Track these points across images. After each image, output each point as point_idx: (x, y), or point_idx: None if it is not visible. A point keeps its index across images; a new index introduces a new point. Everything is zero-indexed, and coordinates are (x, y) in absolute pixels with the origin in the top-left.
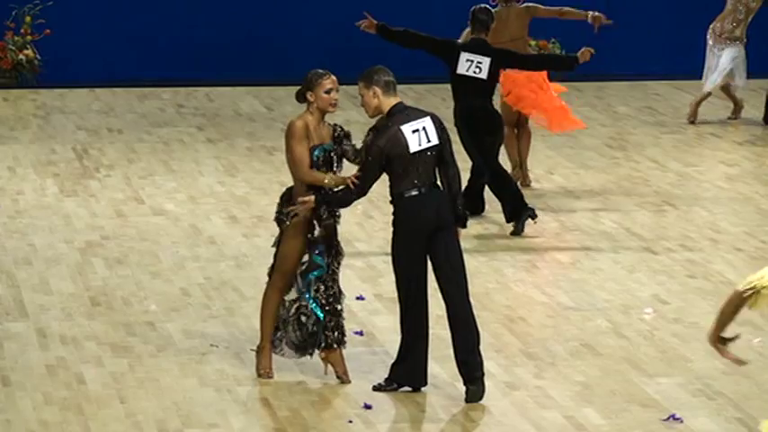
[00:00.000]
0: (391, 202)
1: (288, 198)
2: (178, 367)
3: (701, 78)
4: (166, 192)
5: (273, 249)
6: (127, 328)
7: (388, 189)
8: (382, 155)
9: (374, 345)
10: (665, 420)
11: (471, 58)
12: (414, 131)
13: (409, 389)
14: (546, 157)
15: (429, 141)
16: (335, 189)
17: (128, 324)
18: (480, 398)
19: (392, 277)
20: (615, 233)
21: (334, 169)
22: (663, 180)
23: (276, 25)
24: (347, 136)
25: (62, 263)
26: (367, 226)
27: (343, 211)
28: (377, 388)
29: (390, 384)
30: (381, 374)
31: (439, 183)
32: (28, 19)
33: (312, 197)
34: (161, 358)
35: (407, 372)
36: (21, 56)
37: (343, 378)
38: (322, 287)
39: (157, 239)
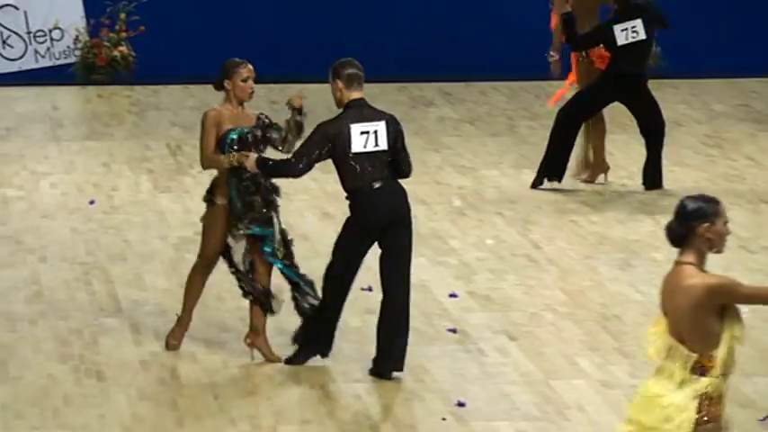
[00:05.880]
0: (346, 198)
1: (214, 183)
2: (273, 367)
3: None
4: None
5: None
6: (221, 324)
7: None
8: (327, 139)
9: (467, 342)
10: (761, 420)
11: (626, 26)
12: (362, 133)
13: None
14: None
15: (377, 146)
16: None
17: (221, 321)
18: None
19: (486, 275)
20: None
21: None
22: (760, 178)
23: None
24: (272, 125)
25: (156, 259)
26: (460, 223)
27: (438, 209)
28: (288, 360)
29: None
30: (474, 372)
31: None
32: (123, 16)
33: (253, 156)
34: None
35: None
36: (115, 52)
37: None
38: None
39: None
